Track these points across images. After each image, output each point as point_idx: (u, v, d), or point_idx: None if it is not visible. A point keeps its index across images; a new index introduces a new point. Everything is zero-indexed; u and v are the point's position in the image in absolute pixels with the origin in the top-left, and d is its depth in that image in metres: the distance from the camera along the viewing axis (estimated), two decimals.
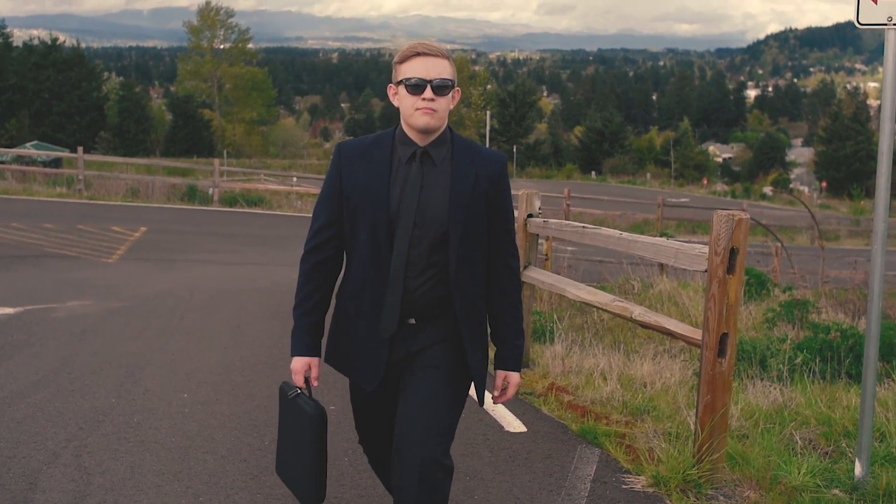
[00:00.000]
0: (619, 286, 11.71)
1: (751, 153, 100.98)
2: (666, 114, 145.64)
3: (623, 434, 5.41)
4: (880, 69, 4.83)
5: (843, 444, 5.30)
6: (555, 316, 8.51)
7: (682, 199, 42.51)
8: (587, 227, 6.27)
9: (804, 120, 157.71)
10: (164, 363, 6.90)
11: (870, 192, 56.61)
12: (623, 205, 35.17)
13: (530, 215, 6.92)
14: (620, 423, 5.64)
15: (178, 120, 76.96)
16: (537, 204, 7.03)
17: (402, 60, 3.11)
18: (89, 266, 12.42)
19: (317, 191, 25.20)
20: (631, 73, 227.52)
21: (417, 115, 3.07)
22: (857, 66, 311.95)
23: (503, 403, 4.44)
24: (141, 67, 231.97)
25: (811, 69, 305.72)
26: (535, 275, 6.91)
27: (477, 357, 3.25)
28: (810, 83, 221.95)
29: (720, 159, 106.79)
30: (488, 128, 61.27)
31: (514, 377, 3.37)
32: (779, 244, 18.63)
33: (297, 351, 3.29)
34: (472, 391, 3.32)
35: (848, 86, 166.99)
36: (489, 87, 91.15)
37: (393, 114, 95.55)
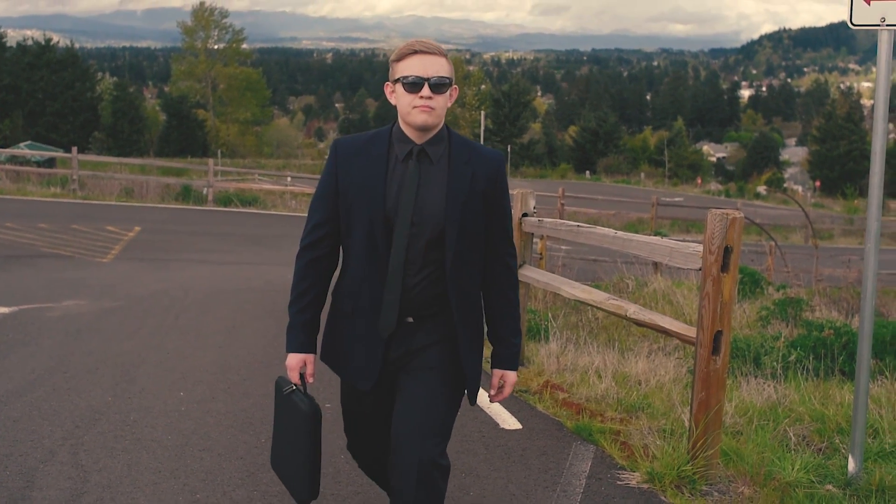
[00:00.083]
0: (613, 285, 11.74)
1: (745, 153, 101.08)
2: (660, 113, 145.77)
3: (618, 431, 5.44)
4: (873, 69, 4.86)
5: (837, 441, 5.33)
6: (549, 314, 8.54)
7: (677, 199, 42.59)
8: (582, 226, 6.30)
9: (798, 119, 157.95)
10: (160, 362, 6.91)
11: (863, 192, 56.73)
12: (617, 204, 35.19)
13: (525, 214, 6.95)
14: (615, 421, 5.66)
15: (172, 120, 76.80)
16: (532, 203, 7.05)
17: (400, 58, 3.10)
18: (84, 266, 12.42)
19: (311, 191, 25.21)
20: (625, 73, 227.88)
21: (415, 112, 3.05)
22: (851, 66, 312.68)
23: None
24: (135, 68, 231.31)
25: (805, 69, 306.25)
26: (530, 273, 6.93)
27: (473, 355, 3.25)
28: (804, 83, 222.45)
29: (714, 159, 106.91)
30: (483, 128, 61.04)
31: (511, 376, 3.36)
32: (773, 243, 18.67)
33: (292, 348, 3.28)
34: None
35: (841, 86, 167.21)
36: (483, 87, 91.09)
37: (387, 114, 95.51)
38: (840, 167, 75.45)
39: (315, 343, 3.31)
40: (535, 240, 8.70)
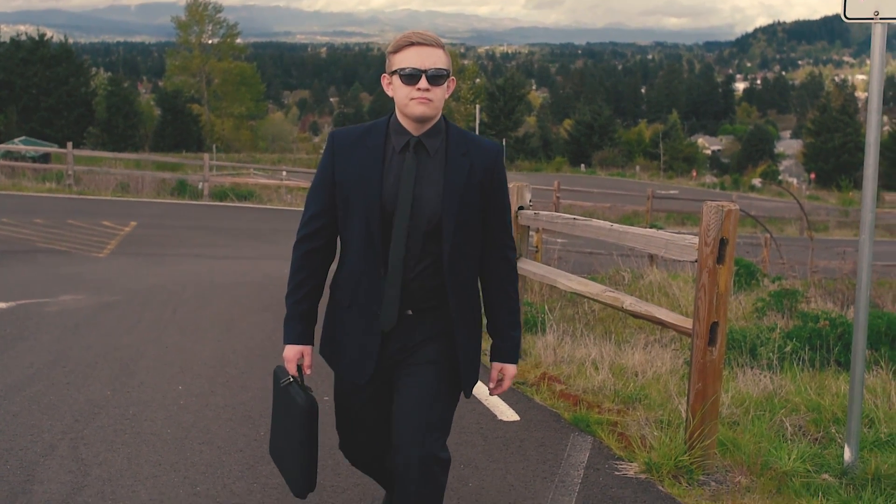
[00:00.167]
0: (609, 277, 11.77)
1: (740, 145, 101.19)
2: (655, 107, 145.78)
3: (615, 422, 5.47)
4: (868, 62, 4.87)
5: (833, 430, 5.36)
6: (546, 307, 8.56)
7: (672, 192, 42.57)
8: (578, 219, 6.32)
9: (793, 112, 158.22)
10: (158, 356, 6.93)
11: (858, 183, 56.75)
12: (613, 197, 35.18)
13: (521, 207, 6.97)
14: (612, 412, 5.69)
15: (167, 115, 76.62)
16: (528, 196, 7.08)
17: (397, 50, 3.07)
18: (80, 261, 12.42)
19: (306, 185, 25.21)
20: (620, 67, 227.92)
21: (413, 104, 3.03)
22: (845, 58, 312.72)
23: None
24: (129, 63, 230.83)
25: (799, 62, 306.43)
26: (526, 266, 6.96)
27: (470, 348, 3.24)
28: (798, 76, 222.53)
29: (709, 151, 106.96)
30: (478, 121, 61.17)
31: (511, 369, 3.34)
32: (768, 235, 18.72)
33: (289, 339, 3.26)
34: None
35: (836, 78, 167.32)
36: (478, 80, 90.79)
37: (382, 108, 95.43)
38: (835, 159, 75.57)
39: (313, 334, 3.30)
40: (531, 233, 8.73)
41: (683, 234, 5.28)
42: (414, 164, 3.09)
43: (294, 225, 3.47)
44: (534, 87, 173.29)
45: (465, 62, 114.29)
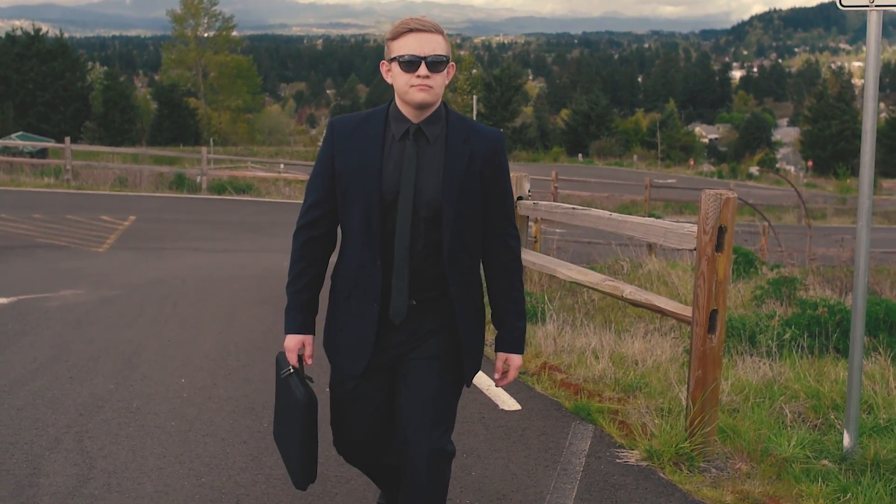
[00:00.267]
0: (608, 267, 11.79)
1: (737, 134, 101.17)
2: (651, 96, 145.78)
3: (616, 410, 5.50)
4: (864, 49, 4.90)
5: (832, 417, 5.40)
6: (546, 297, 8.59)
7: (669, 180, 42.55)
8: (577, 209, 6.35)
9: (789, 100, 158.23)
10: (160, 350, 6.96)
11: (855, 171, 56.80)
12: (610, 186, 35.20)
13: (520, 198, 7.00)
14: (613, 400, 5.73)
15: (164, 109, 76.57)
16: (527, 186, 7.11)
17: (395, 37, 3.04)
18: (80, 255, 12.44)
19: (304, 177, 25.22)
20: (616, 56, 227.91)
21: (413, 91, 3.00)
22: (842, 45, 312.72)
23: None
24: (125, 57, 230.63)
25: (796, 49, 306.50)
26: (526, 256, 6.99)
27: (472, 338, 3.21)
28: (795, 63, 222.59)
29: (706, 140, 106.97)
30: (475, 112, 61.28)
31: (516, 360, 3.30)
32: (766, 223, 18.74)
33: (290, 329, 3.23)
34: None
35: (832, 66, 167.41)
36: (475, 71, 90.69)
37: (379, 100, 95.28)
38: (832, 147, 75.52)
39: (314, 324, 3.26)
40: (529, 223, 8.75)
41: (682, 222, 5.30)
42: (414, 152, 3.06)
43: (293, 217, 3.46)
44: (530, 77, 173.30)
45: (462, 53, 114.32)
